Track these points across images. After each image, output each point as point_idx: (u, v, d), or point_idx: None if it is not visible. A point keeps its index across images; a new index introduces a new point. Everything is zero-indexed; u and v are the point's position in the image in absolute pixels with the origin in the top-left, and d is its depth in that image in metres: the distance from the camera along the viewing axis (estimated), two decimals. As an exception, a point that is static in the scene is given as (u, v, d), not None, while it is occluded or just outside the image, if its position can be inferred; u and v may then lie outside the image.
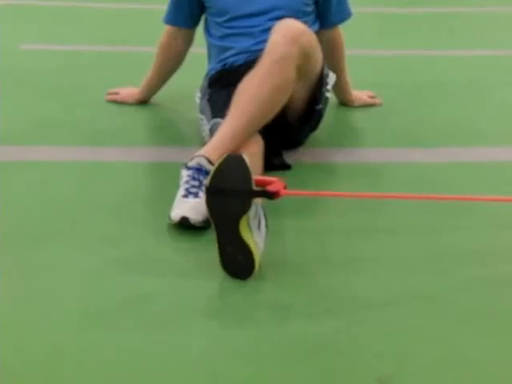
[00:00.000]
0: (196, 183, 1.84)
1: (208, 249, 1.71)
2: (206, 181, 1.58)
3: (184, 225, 1.78)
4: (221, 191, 1.55)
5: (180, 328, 1.45)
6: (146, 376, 1.31)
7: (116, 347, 1.39)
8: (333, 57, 2.54)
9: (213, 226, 1.60)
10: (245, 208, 1.56)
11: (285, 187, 1.62)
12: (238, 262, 1.59)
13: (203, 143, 2.18)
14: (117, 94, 2.78)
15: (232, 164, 1.57)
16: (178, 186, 1.90)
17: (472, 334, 1.45)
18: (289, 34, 2.01)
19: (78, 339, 1.40)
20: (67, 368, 1.33)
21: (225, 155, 1.59)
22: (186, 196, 1.82)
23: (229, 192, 1.55)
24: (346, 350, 1.39)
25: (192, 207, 1.79)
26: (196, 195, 1.82)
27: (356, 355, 1.38)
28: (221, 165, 1.57)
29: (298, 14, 2.27)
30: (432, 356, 1.37)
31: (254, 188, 1.56)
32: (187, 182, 1.85)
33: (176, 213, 1.79)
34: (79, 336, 1.41)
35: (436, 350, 1.39)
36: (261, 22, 2.30)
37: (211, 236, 1.74)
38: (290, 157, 2.22)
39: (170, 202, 1.87)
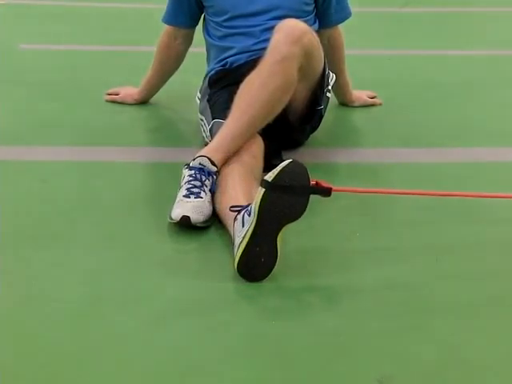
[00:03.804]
0: (198, 183, 1.84)
1: (209, 249, 1.72)
2: (268, 176, 1.57)
3: (185, 224, 1.78)
4: (284, 187, 1.56)
5: (180, 328, 1.45)
6: (146, 376, 1.31)
7: (116, 347, 1.38)
8: (333, 57, 2.53)
9: (253, 223, 1.58)
10: (300, 212, 1.57)
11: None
12: (258, 263, 1.58)
13: (203, 143, 2.18)
14: (116, 94, 2.78)
15: (296, 168, 1.59)
16: (178, 186, 1.90)
17: (472, 334, 1.45)
18: (291, 33, 2.00)
19: (78, 339, 1.40)
20: (67, 368, 1.32)
21: (290, 159, 1.59)
22: (187, 196, 1.82)
23: (291, 190, 1.56)
24: (346, 350, 1.39)
25: (193, 207, 1.79)
26: (197, 195, 1.82)
27: (356, 355, 1.38)
28: (286, 166, 1.58)
29: (298, 14, 2.27)
30: (432, 356, 1.37)
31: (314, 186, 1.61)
32: (189, 182, 1.84)
33: (177, 212, 1.79)
34: (79, 336, 1.41)
35: (436, 350, 1.39)
36: (261, 22, 2.30)
37: (212, 236, 1.75)
38: (289, 157, 2.21)
39: (170, 201, 1.87)
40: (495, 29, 4.38)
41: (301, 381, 1.31)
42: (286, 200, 1.56)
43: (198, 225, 1.78)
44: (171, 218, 1.80)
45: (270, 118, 2.01)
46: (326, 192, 1.64)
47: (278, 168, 1.58)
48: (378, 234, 1.84)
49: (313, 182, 1.62)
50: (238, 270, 1.60)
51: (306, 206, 1.59)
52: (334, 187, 1.65)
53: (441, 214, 1.94)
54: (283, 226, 1.58)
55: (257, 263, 1.59)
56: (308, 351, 1.38)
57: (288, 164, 1.58)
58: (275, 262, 1.60)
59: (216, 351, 1.38)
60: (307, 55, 2.04)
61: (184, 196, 1.82)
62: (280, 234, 1.59)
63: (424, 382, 1.32)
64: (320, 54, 2.16)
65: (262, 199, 1.57)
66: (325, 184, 1.65)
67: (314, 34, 2.11)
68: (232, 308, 1.53)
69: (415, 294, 1.58)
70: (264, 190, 1.57)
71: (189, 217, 1.77)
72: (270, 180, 1.57)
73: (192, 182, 1.84)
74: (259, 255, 1.58)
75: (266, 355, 1.37)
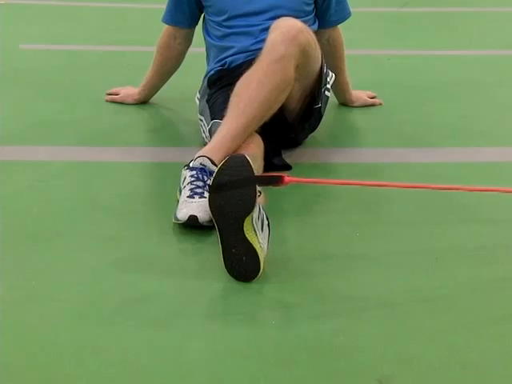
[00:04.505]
0: (200, 183, 1.84)
1: (211, 250, 1.71)
2: (210, 181, 1.58)
3: (192, 224, 1.77)
4: (224, 185, 1.55)
5: (181, 328, 1.45)
6: (146, 376, 1.31)
7: (116, 347, 1.38)
8: (333, 57, 2.54)
9: (216, 229, 1.59)
10: (250, 203, 1.55)
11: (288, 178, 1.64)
12: (243, 264, 1.58)
13: (203, 144, 2.18)
14: (116, 94, 2.78)
15: (234, 163, 1.59)
16: (177, 188, 1.90)
17: (472, 334, 1.45)
18: (288, 32, 2.00)
19: (78, 339, 1.40)
20: (67, 368, 1.32)
21: (227, 157, 1.59)
22: (191, 196, 1.81)
23: (233, 185, 1.55)
24: (346, 350, 1.39)
25: (199, 206, 1.79)
26: (201, 195, 1.81)
27: (356, 355, 1.38)
28: (223, 164, 1.58)
29: (297, 14, 2.27)
30: (432, 356, 1.37)
31: (258, 175, 1.59)
32: (191, 183, 1.84)
33: (184, 212, 1.78)
34: (79, 336, 1.41)
35: (436, 350, 1.39)
36: (260, 21, 2.30)
37: (214, 237, 1.74)
38: (289, 157, 2.22)
39: (170, 201, 1.87)
40: (495, 29, 4.38)
41: (300, 381, 1.31)
42: (231, 196, 1.55)
43: (205, 224, 1.78)
44: (177, 219, 1.79)
45: (268, 117, 2.01)
46: (274, 181, 1.61)
47: (216, 168, 1.59)
48: (377, 233, 1.84)
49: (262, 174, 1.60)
50: (230, 275, 1.60)
51: (255, 195, 1.56)
52: (287, 177, 1.61)
53: (440, 213, 1.94)
54: (243, 220, 1.56)
55: (240, 263, 1.58)
56: (308, 351, 1.38)
57: (224, 161, 1.59)
58: (257, 257, 1.58)
59: (216, 351, 1.38)
60: (304, 53, 2.04)
61: (188, 197, 1.82)
62: (249, 229, 1.56)
63: (424, 382, 1.32)
64: (317, 52, 2.16)
65: (209, 204, 1.58)
66: (288, 177, 1.61)
67: (311, 33, 2.11)
68: (232, 308, 1.54)
69: (415, 293, 1.58)
70: (208, 194, 1.58)
71: (196, 216, 1.77)
72: (210, 183, 1.57)
73: (195, 183, 1.84)
74: (238, 255, 1.58)
75: (266, 355, 1.37)
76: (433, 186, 1.95)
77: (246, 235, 1.57)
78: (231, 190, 1.55)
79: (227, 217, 1.56)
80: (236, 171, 1.58)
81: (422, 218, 1.92)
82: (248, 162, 1.59)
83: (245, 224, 1.56)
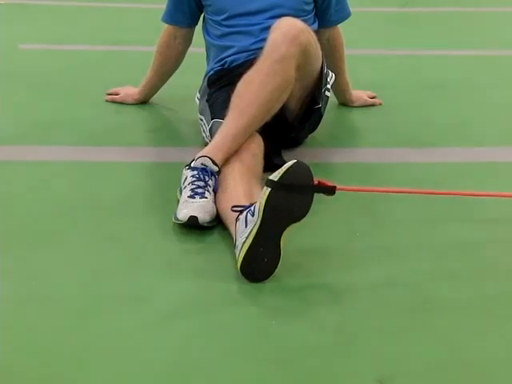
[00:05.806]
0: (202, 183, 1.83)
1: (210, 249, 1.72)
2: (273, 176, 1.58)
3: (192, 224, 1.77)
4: (287, 186, 1.55)
5: (180, 328, 1.45)
6: (146, 376, 1.31)
7: (116, 347, 1.38)
8: (333, 57, 2.53)
9: (256, 223, 1.57)
10: (305, 211, 1.57)
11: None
12: (261, 264, 1.58)
13: (203, 143, 2.18)
14: (116, 94, 2.78)
15: (301, 169, 1.59)
16: (178, 188, 1.90)
17: (472, 334, 1.45)
18: (289, 32, 2.00)
19: (78, 339, 1.40)
20: (67, 368, 1.32)
21: (294, 160, 1.60)
22: (192, 196, 1.81)
23: (293, 189, 1.55)
24: (346, 350, 1.39)
25: (200, 207, 1.78)
26: (202, 195, 1.81)
27: (356, 355, 1.38)
28: (291, 167, 1.58)
29: (297, 13, 2.27)
30: (432, 356, 1.37)
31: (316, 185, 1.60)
32: (193, 183, 1.84)
33: (184, 213, 1.78)
34: (79, 336, 1.41)
35: (436, 350, 1.39)
36: (260, 21, 2.30)
37: (214, 237, 1.75)
38: (289, 156, 2.21)
39: (170, 201, 1.87)
40: (495, 29, 4.38)
41: (301, 381, 1.31)
42: (290, 200, 1.56)
43: (205, 224, 1.78)
44: (177, 219, 1.79)
45: (269, 117, 2.01)
46: (331, 191, 1.64)
47: (284, 168, 1.58)
48: (378, 233, 1.84)
49: (315, 182, 1.62)
50: (241, 271, 1.60)
51: (310, 206, 1.58)
52: (337, 186, 1.65)
53: (440, 213, 1.94)
54: (287, 226, 1.58)
55: (260, 264, 1.58)
56: (308, 351, 1.38)
57: (292, 164, 1.58)
58: (278, 262, 1.59)
59: (216, 351, 1.38)
60: (305, 53, 2.04)
61: (189, 197, 1.81)
62: (285, 235, 1.58)
63: (424, 382, 1.32)
64: (317, 52, 2.16)
65: (267, 199, 1.56)
66: (328, 183, 1.64)
67: (311, 32, 2.11)
68: (233, 308, 1.53)
69: (415, 293, 1.58)
70: (270, 189, 1.57)
71: (196, 217, 1.76)
72: (275, 179, 1.57)
73: (196, 183, 1.84)
74: (262, 256, 1.58)
75: (266, 355, 1.37)
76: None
77: (282, 240, 1.58)
78: (291, 193, 1.56)
79: (276, 216, 1.56)
80: (300, 177, 1.58)
81: (422, 217, 1.92)
82: (311, 173, 1.60)
83: (287, 229, 1.57)
